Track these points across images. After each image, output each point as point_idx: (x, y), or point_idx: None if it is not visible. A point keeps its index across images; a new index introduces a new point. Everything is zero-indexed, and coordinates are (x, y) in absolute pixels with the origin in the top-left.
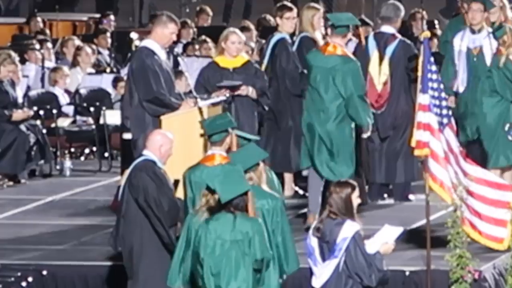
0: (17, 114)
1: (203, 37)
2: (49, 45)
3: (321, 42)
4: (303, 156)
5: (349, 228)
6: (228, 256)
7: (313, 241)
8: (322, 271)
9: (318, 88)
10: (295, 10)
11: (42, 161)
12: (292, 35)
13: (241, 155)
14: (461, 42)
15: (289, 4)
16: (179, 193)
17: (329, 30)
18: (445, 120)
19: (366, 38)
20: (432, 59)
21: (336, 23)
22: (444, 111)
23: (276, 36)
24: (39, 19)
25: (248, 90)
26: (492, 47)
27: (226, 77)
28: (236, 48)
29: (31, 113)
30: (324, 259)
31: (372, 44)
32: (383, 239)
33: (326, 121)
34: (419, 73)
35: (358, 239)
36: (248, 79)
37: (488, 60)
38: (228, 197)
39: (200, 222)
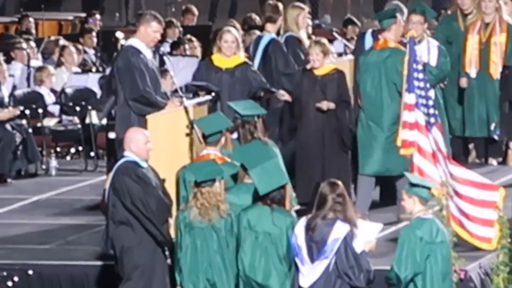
0: (3, 114)
1: (188, 36)
2: (32, 44)
3: (306, 41)
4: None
5: (340, 229)
6: (264, 249)
7: (300, 240)
8: (311, 271)
9: (376, 83)
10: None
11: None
12: (276, 34)
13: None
14: None
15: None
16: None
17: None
18: (432, 120)
19: (363, 34)
20: (418, 58)
21: (381, 18)
22: (431, 111)
23: (267, 37)
24: (31, 19)
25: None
26: (431, 57)
27: (215, 76)
28: (229, 47)
29: (18, 112)
30: (312, 258)
31: (369, 41)
32: (365, 237)
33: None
34: (405, 72)
35: (349, 239)
36: (240, 81)
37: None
38: (265, 190)
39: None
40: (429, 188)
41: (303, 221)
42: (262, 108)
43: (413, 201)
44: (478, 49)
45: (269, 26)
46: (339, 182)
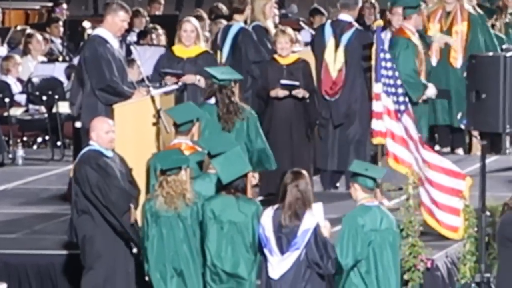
0: None
1: (153, 25)
2: None
3: (272, 31)
4: None
5: (309, 220)
6: (230, 238)
7: (268, 231)
8: (282, 262)
9: None
10: None
11: None
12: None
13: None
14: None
15: None
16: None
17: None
18: (402, 107)
19: (323, 25)
20: (385, 47)
21: (405, 6)
22: (401, 98)
23: (236, 26)
24: None
25: (196, 79)
26: None
27: (177, 66)
28: (188, 37)
29: None
30: (281, 250)
31: (328, 32)
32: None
33: None
34: (373, 62)
35: (318, 230)
36: (201, 70)
37: None
38: (228, 179)
39: (201, 204)
40: (373, 178)
41: (269, 211)
42: (238, 73)
43: (355, 189)
44: None
45: (237, 17)
46: (304, 172)
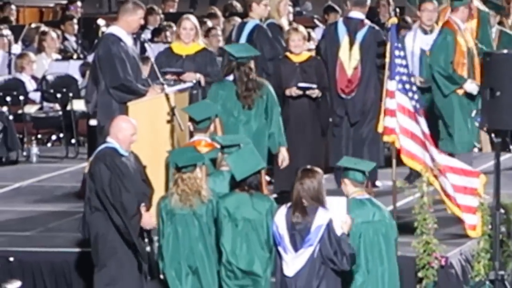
0: None
1: (168, 22)
2: (7, 31)
3: (286, 28)
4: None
5: (323, 216)
6: (245, 236)
7: (282, 229)
8: (296, 259)
9: None
10: None
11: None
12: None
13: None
14: (413, 43)
15: None
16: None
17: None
18: (418, 105)
19: (336, 23)
20: (399, 45)
21: None
22: (416, 96)
23: (251, 23)
24: (13, 6)
25: (194, 77)
26: None
27: (177, 64)
28: (188, 34)
29: None
30: (295, 247)
31: (342, 30)
32: (339, 217)
33: None
34: (387, 60)
35: (331, 226)
36: (199, 67)
37: None
38: (242, 176)
39: (216, 201)
40: (362, 172)
41: (283, 209)
42: (255, 49)
43: (345, 184)
44: None
45: (251, 13)
46: (316, 169)
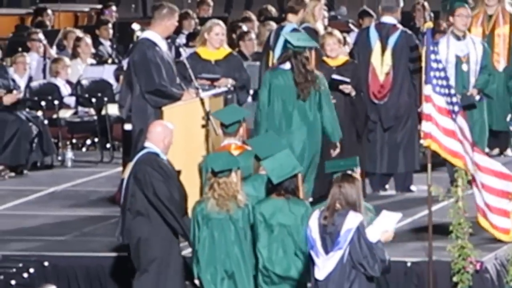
0: (7, 98)
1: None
2: (41, 36)
3: (322, 32)
4: None
5: (353, 219)
6: (280, 241)
7: (314, 233)
8: (326, 262)
9: None
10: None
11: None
12: None
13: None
14: (448, 50)
15: None
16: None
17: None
18: (456, 108)
19: (368, 28)
20: (435, 49)
21: None
22: (454, 99)
23: (289, 27)
24: (49, 11)
25: (228, 82)
26: (478, 52)
27: (207, 68)
28: (220, 40)
29: (20, 95)
30: (326, 250)
31: (373, 35)
32: (383, 227)
33: None
34: (423, 64)
35: (362, 229)
36: (230, 72)
37: (474, 67)
38: (279, 179)
39: (252, 207)
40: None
41: (316, 213)
42: (313, 41)
43: None
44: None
45: (290, 17)
46: (355, 175)
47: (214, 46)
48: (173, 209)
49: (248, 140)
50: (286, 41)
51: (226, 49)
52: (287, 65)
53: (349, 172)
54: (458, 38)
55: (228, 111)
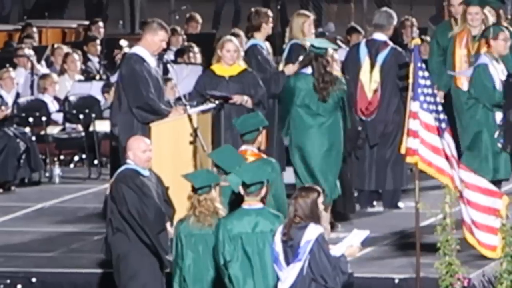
0: None
1: (189, 43)
2: (30, 52)
3: None
4: None
5: (312, 231)
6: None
7: (278, 246)
8: (287, 275)
9: None
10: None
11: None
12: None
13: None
14: (497, 73)
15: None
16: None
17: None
18: (443, 125)
19: (358, 45)
20: (423, 65)
21: None
22: (441, 116)
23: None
24: (34, 29)
25: (243, 99)
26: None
27: (221, 85)
28: (231, 56)
29: (8, 112)
30: (288, 263)
31: (363, 51)
32: (348, 242)
33: None
34: (410, 81)
35: (321, 241)
36: (244, 88)
37: None
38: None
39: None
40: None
41: (281, 227)
42: (333, 43)
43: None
44: (467, 62)
45: (255, 35)
46: (315, 187)
47: (227, 63)
48: (145, 226)
49: (209, 153)
50: (310, 44)
51: (241, 66)
52: (308, 70)
53: (307, 185)
54: (497, 61)
55: (247, 118)
